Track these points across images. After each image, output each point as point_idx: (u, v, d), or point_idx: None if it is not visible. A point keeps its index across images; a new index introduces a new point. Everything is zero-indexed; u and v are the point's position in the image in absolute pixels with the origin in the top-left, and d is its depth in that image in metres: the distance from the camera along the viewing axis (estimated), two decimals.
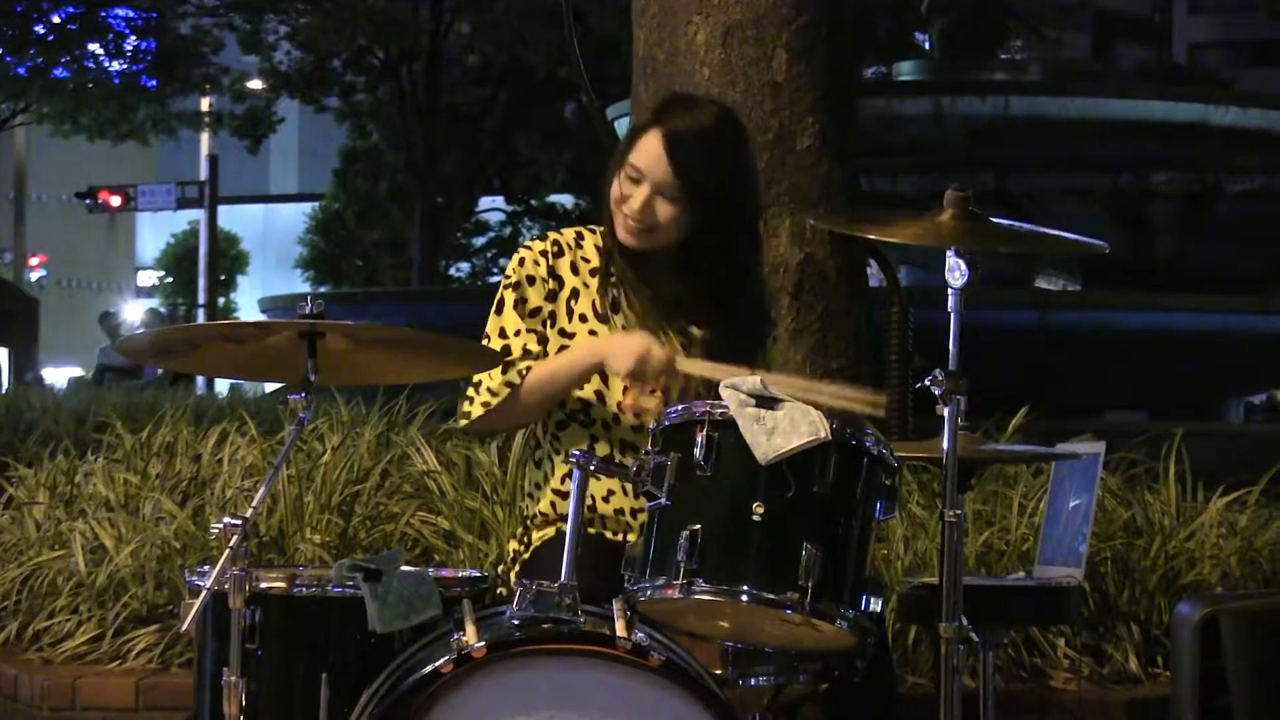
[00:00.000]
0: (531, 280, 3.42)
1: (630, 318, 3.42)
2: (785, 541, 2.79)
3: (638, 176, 3.34)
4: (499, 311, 3.42)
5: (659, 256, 3.42)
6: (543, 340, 3.41)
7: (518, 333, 3.39)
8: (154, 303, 33.17)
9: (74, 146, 29.75)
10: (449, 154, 27.16)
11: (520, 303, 3.41)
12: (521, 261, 3.44)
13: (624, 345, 3.28)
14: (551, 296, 3.43)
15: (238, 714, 2.76)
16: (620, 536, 3.34)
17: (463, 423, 3.44)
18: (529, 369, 3.35)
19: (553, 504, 3.41)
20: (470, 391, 3.40)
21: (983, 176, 12.29)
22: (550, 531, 3.39)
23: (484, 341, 3.39)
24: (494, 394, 3.35)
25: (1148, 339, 10.88)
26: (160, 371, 13.84)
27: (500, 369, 3.34)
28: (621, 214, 3.37)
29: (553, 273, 3.44)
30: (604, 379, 3.39)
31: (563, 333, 3.41)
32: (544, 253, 3.45)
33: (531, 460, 3.51)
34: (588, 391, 3.39)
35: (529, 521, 3.48)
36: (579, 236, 3.50)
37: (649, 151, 3.34)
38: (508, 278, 3.45)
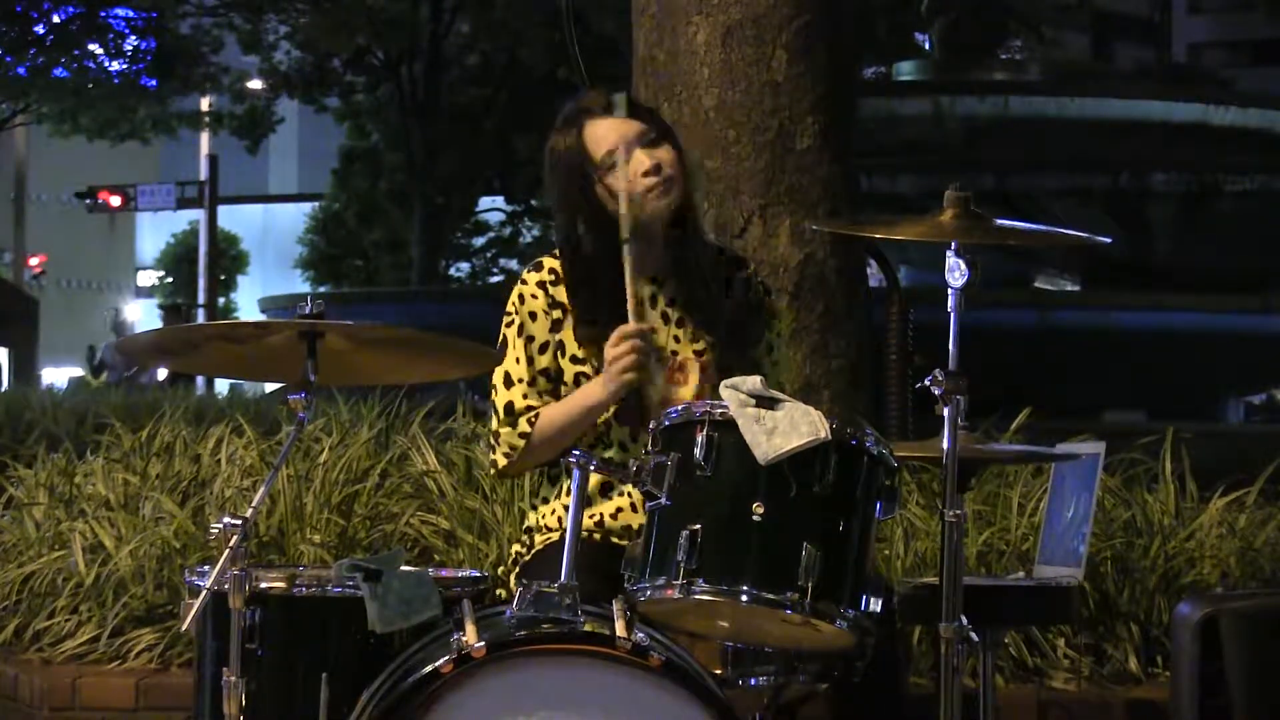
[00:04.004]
0: (534, 316, 3.41)
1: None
2: (785, 541, 2.79)
3: (617, 154, 3.34)
4: (502, 355, 3.41)
5: (656, 237, 3.41)
6: (553, 376, 3.39)
7: (520, 379, 3.39)
8: (154, 302, 33.18)
9: (74, 146, 29.75)
10: (449, 154, 27.13)
11: (523, 344, 3.40)
12: (521, 298, 3.43)
13: (608, 373, 3.28)
14: (556, 326, 3.41)
15: (238, 714, 2.75)
16: (625, 542, 3.33)
17: (493, 471, 3.50)
18: (536, 415, 3.37)
19: (560, 519, 3.39)
20: (491, 441, 3.44)
21: (983, 176, 12.30)
22: (553, 536, 3.38)
23: (491, 393, 3.42)
24: (513, 447, 3.38)
25: (1148, 339, 10.89)
26: (160, 375, 13.83)
27: (507, 423, 3.37)
28: (638, 190, 3.33)
29: (554, 302, 3.42)
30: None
31: (574, 359, 3.40)
32: (541, 284, 3.43)
33: (546, 474, 3.48)
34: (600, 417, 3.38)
35: (533, 528, 3.47)
36: None
37: (604, 129, 3.38)
38: (508, 315, 3.44)
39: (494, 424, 3.42)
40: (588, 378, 3.38)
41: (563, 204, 3.44)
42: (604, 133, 3.38)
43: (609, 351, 3.28)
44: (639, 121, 3.40)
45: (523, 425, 3.37)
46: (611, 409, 3.34)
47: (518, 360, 3.40)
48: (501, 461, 3.42)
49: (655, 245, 3.42)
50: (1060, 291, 13.95)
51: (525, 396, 3.38)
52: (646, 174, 3.35)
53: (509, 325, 3.43)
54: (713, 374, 3.37)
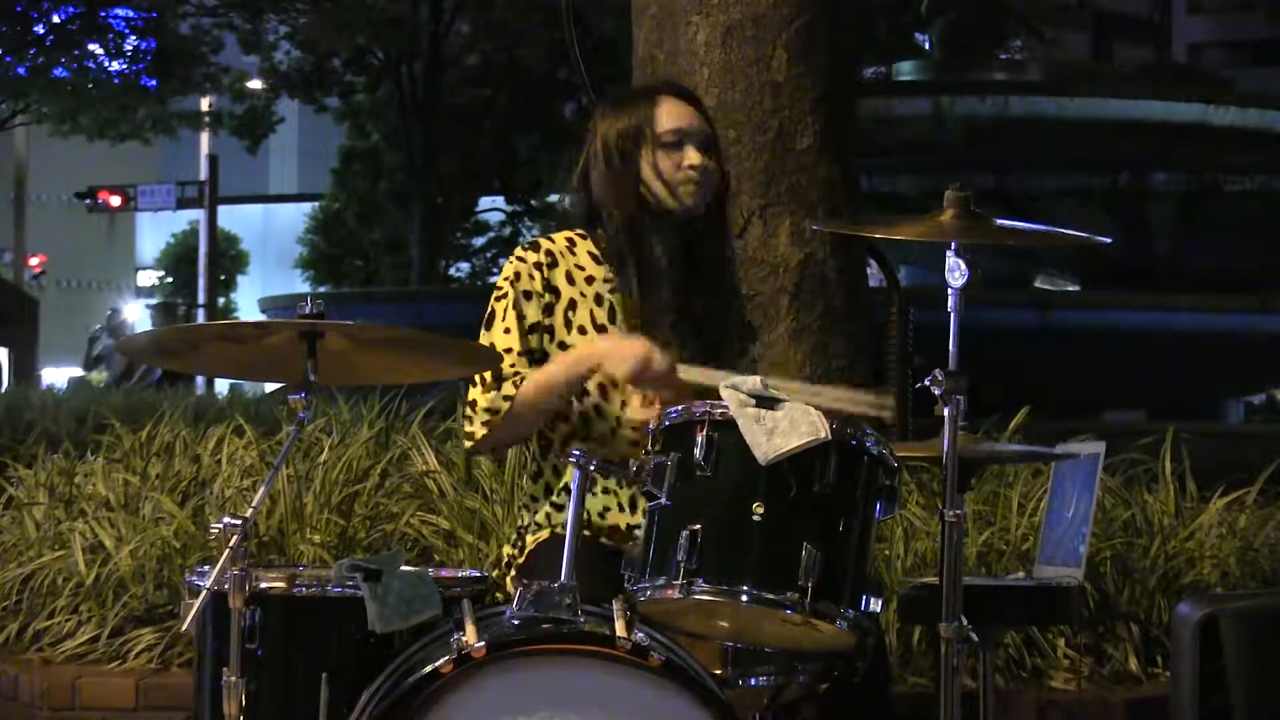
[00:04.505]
0: (528, 295, 3.36)
1: (624, 328, 3.38)
2: (785, 541, 2.79)
3: (677, 139, 3.38)
4: (489, 326, 3.37)
5: (671, 236, 3.40)
6: (537, 359, 3.36)
7: (509, 350, 3.33)
8: (153, 302, 33.09)
9: (74, 146, 29.75)
10: (449, 154, 27.13)
11: (515, 318, 3.36)
12: (516, 275, 3.38)
13: (622, 349, 3.23)
14: (548, 310, 3.37)
15: (238, 714, 2.75)
16: (614, 544, 3.32)
17: (468, 444, 3.38)
18: (521, 378, 3.30)
19: (548, 515, 3.39)
20: (468, 411, 3.34)
21: (983, 176, 12.30)
22: (544, 535, 3.37)
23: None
24: (493, 411, 3.29)
25: (1148, 339, 10.90)
26: (159, 374, 13.83)
27: (493, 387, 3.29)
28: (677, 181, 3.36)
29: (548, 285, 3.38)
30: (603, 392, 3.37)
31: (562, 345, 3.38)
32: (538, 264, 3.39)
33: (529, 474, 3.48)
34: (587, 406, 3.37)
35: (523, 529, 3.47)
36: (571, 243, 3.44)
37: (678, 110, 3.41)
38: (499, 289, 3.39)
39: (471, 394, 3.32)
40: None
41: (614, 174, 3.40)
42: (676, 113, 3.41)
43: (656, 361, 3.18)
44: (707, 126, 3.44)
45: (507, 388, 3.27)
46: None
47: (507, 331, 3.34)
48: (479, 431, 3.30)
49: (666, 242, 3.40)
50: (1060, 291, 13.96)
51: (513, 366, 3.32)
52: (693, 167, 3.37)
53: (499, 299, 3.37)
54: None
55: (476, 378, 3.33)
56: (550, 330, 3.38)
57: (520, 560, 3.40)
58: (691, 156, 3.37)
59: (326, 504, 4.82)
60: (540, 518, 3.41)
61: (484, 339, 3.35)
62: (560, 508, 3.32)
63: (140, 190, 32.15)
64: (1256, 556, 4.92)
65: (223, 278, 35.64)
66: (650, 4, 5.23)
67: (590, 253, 3.44)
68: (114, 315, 18.84)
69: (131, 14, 26.13)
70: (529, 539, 3.41)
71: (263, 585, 2.88)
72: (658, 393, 3.26)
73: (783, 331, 4.98)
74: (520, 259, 3.41)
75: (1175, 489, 5.16)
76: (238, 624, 2.77)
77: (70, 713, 4.58)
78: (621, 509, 3.33)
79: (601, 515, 3.35)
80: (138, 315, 36.48)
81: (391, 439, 5.44)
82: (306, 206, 35.86)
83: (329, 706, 2.83)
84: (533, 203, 30.26)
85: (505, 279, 3.40)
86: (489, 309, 3.39)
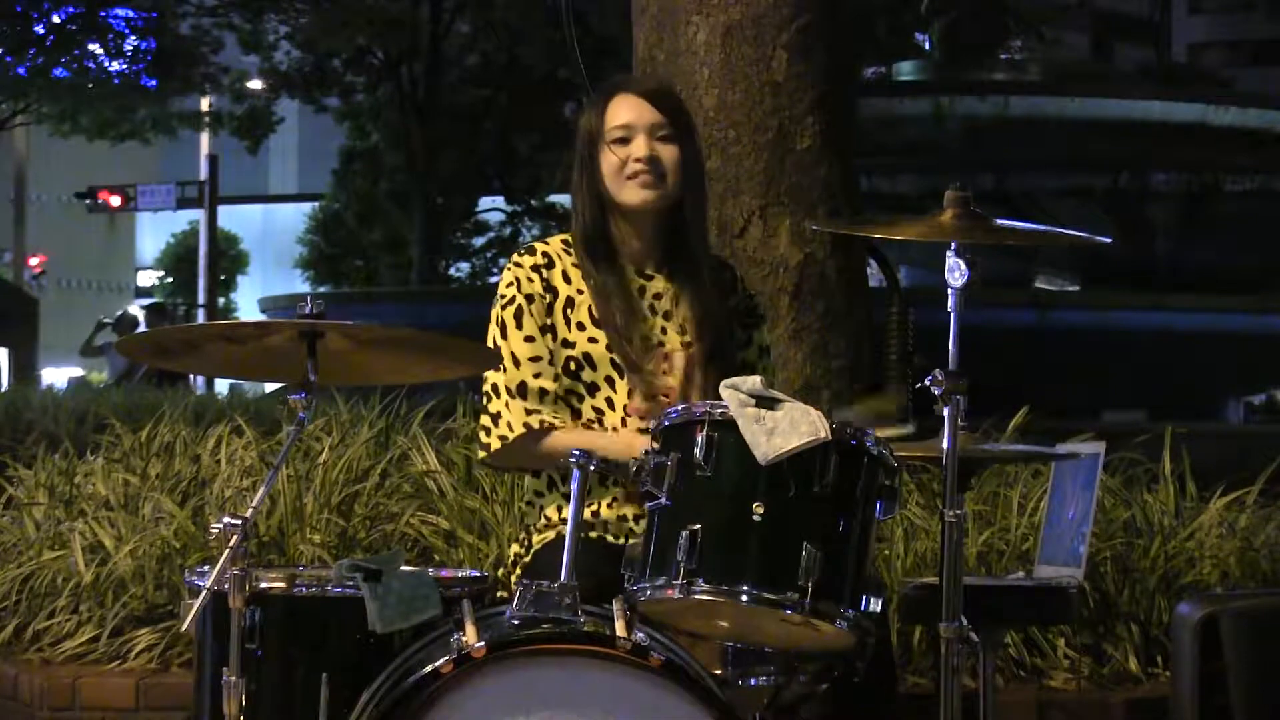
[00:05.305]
0: (531, 299, 3.41)
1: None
2: (785, 541, 2.79)
3: (627, 133, 3.39)
4: (504, 336, 3.40)
5: (649, 225, 3.44)
6: (552, 362, 3.40)
7: (534, 359, 3.37)
8: (145, 303, 32.87)
9: (74, 146, 29.74)
10: (449, 154, 27.11)
11: (532, 324, 3.40)
12: (516, 282, 3.43)
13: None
14: (549, 310, 3.42)
15: (238, 714, 2.76)
16: (622, 540, 3.34)
17: (481, 454, 3.46)
18: (549, 426, 3.34)
19: (559, 507, 3.41)
20: (486, 421, 3.39)
21: (983, 176, 12.29)
22: (550, 535, 3.39)
23: (491, 375, 3.39)
24: (511, 429, 3.35)
25: (1148, 339, 10.89)
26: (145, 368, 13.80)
27: (520, 406, 3.35)
28: (624, 177, 3.38)
29: (548, 286, 3.43)
30: (611, 385, 3.40)
31: (565, 343, 3.41)
32: (535, 268, 3.44)
33: (529, 471, 3.50)
34: (599, 400, 3.39)
35: (531, 526, 3.48)
36: (566, 244, 3.49)
37: (627, 105, 3.41)
38: (503, 298, 3.43)
39: (495, 405, 3.37)
40: (578, 362, 3.39)
41: (578, 173, 3.45)
42: (624, 109, 3.42)
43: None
44: (662, 115, 3.42)
45: (532, 420, 3.33)
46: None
47: (530, 340, 3.39)
48: (494, 445, 3.37)
49: (644, 237, 3.44)
50: (1060, 291, 13.95)
51: (539, 376, 3.37)
52: (638, 160, 3.38)
53: (506, 307, 3.41)
54: (695, 368, 3.40)
55: (499, 389, 3.36)
56: (553, 329, 3.42)
57: (526, 560, 3.41)
58: (638, 149, 3.38)
59: (326, 504, 4.82)
60: (550, 511, 3.42)
61: (503, 349, 3.38)
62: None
63: (140, 190, 32.13)
64: (1256, 556, 4.92)
65: (223, 278, 35.61)
66: (650, 4, 5.23)
67: None
68: (125, 315, 18.78)
69: (131, 14, 26.11)
70: (535, 539, 3.42)
71: (263, 585, 2.89)
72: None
73: (783, 331, 4.98)
74: (517, 264, 3.46)
75: (1175, 489, 5.16)
76: (238, 624, 2.78)
77: (70, 713, 4.58)
78: (630, 499, 3.34)
79: (610, 505, 3.36)
80: (138, 315, 36.46)
81: (391, 439, 5.44)
82: (306, 206, 35.84)
83: (329, 706, 2.83)
84: (533, 203, 30.22)
85: (508, 286, 3.44)
86: (498, 319, 3.42)
